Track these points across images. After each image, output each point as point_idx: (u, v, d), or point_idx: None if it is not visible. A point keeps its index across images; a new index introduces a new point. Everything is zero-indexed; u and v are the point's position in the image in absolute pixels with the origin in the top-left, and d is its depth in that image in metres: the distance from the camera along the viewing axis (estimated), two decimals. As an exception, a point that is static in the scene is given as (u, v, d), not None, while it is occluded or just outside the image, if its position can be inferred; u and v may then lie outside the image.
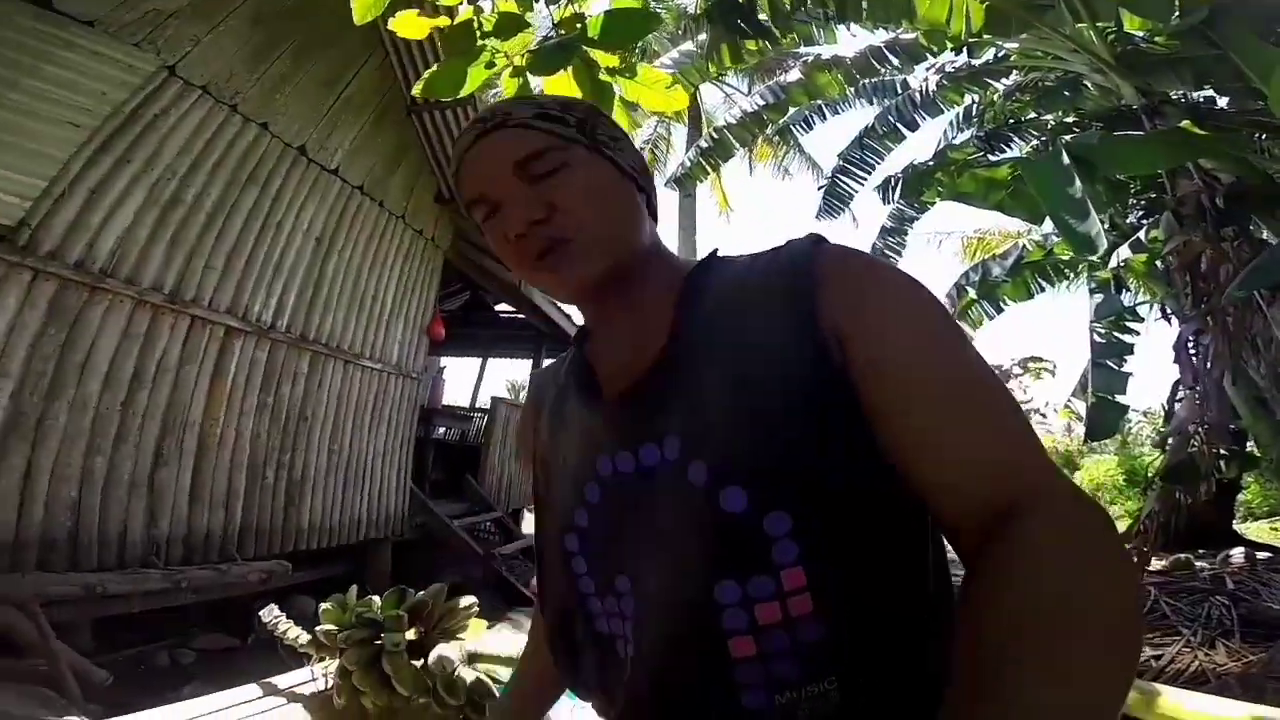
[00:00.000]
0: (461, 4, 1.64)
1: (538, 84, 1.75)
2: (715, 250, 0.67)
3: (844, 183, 6.02)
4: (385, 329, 5.45)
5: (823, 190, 6.21)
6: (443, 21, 1.62)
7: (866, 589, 0.52)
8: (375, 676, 1.29)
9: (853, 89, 5.25)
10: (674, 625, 0.55)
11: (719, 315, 0.58)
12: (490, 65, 1.70)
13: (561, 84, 1.70)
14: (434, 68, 1.66)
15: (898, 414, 0.50)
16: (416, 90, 1.67)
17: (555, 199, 0.59)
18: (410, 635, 1.39)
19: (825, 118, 6.17)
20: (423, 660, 1.36)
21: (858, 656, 0.52)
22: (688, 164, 5.95)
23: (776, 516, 0.50)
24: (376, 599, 1.50)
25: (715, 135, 5.63)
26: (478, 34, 1.66)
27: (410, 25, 1.57)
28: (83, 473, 3.27)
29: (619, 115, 1.74)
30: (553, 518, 0.67)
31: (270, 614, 1.64)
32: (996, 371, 0.49)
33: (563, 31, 1.66)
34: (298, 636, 1.55)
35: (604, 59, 1.68)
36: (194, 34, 3.76)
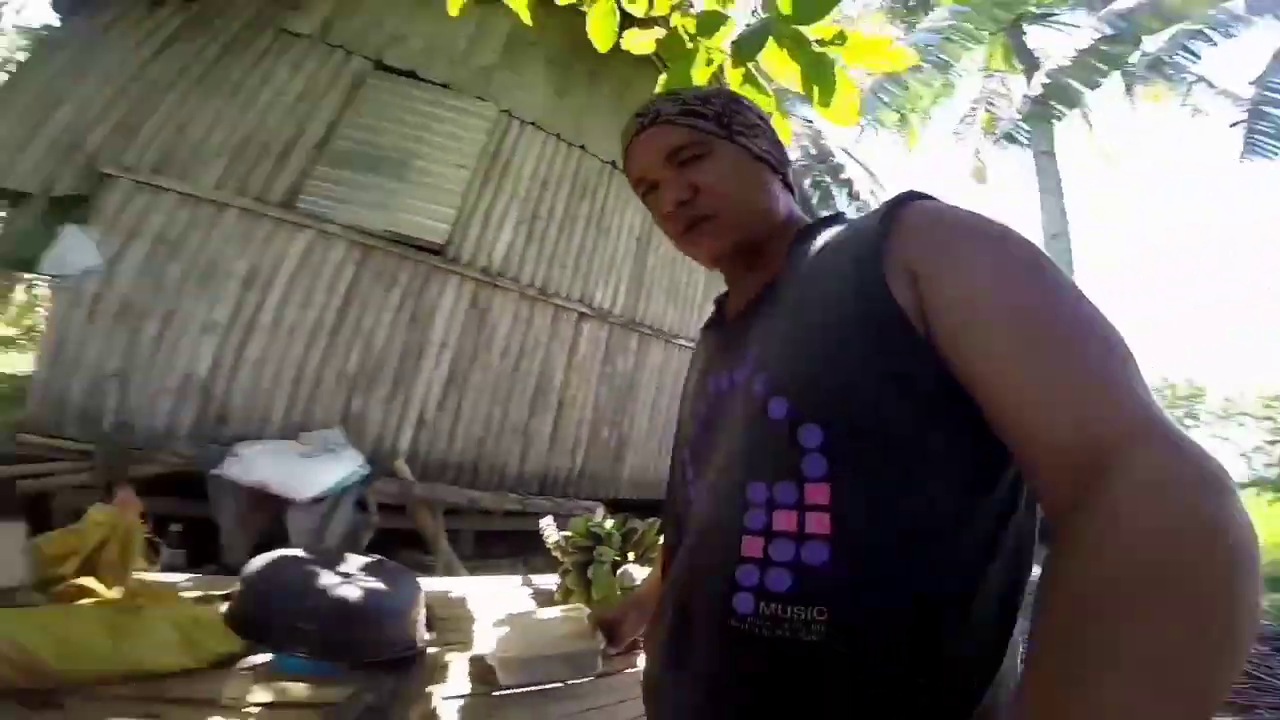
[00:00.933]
0: (672, 13, 1.86)
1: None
2: (838, 213, 0.73)
3: (1274, 114, 4.28)
4: (697, 312, 6.05)
5: (1243, 126, 4.52)
6: (660, 32, 1.86)
7: (887, 532, 0.51)
8: (582, 580, 1.63)
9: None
10: (707, 517, 0.62)
11: (807, 257, 0.65)
12: (709, 61, 1.88)
13: (779, 64, 1.77)
14: (663, 75, 1.91)
15: (977, 356, 0.49)
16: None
17: (698, 181, 0.70)
18: (616, 555, 1.70)
19: (1214, 42, 4.53)
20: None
21: (856, 599, 0.51)
22: (1018, 116, 5.00)
23: (809, 428, 0.54)
24: (610, 521, 1.86)
25: (1049, 79, 4.62)
26: (686, 38, 1.85)
27: (638, 42, 1.85)
28: (487, 418, 4.60)
29: (764, 103, 1.72)
30: (676, 438, 0.79)
31: (546, 523, 2.15)
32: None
33: (761, 14, 1.74)
34: (556, 543, 2.01)
35: (817, 31, 1.70)
36: (513, 81, 4.80)
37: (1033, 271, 0.51)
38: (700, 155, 0.70)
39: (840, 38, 1.67)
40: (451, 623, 1.87)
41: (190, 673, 1.34)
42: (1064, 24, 8.83)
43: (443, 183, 4.48)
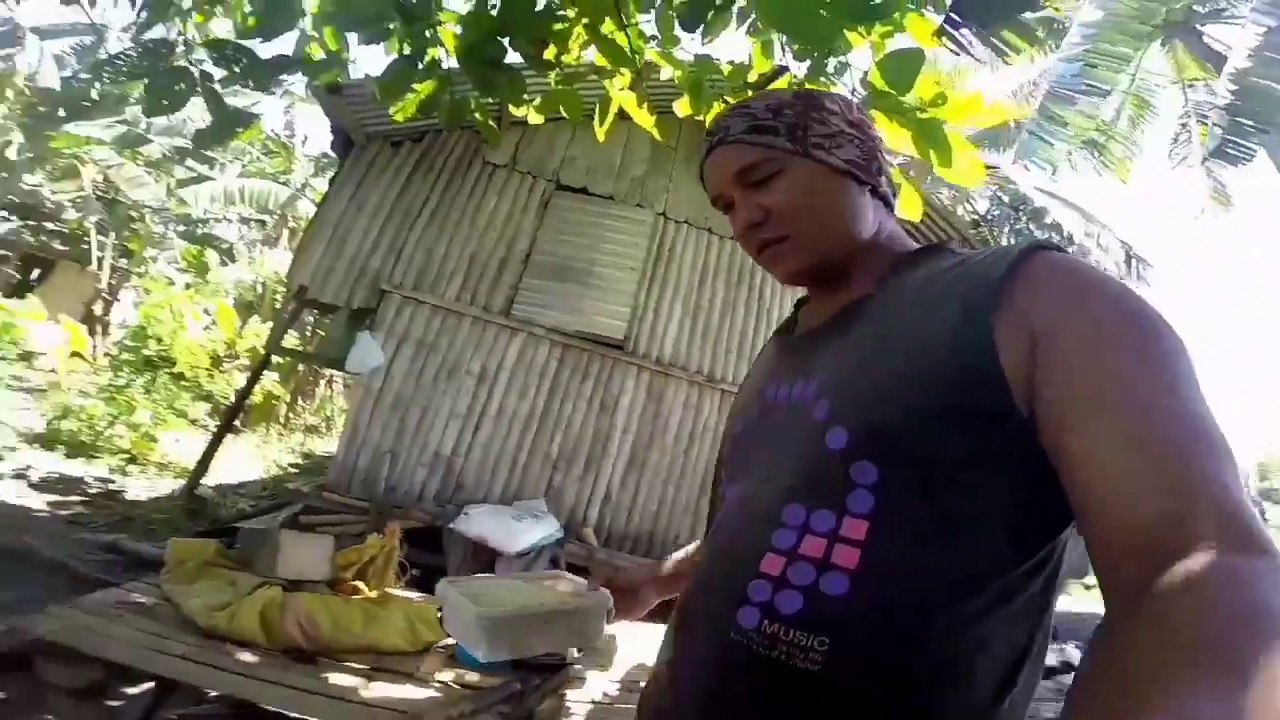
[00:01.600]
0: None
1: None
2: (947, 242, 0.72)
3: None
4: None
5: None
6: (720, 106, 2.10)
7: (914, 582, 0.50)
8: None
9: None
10: (735, 526, 0.62)
11: (903, 289, 0.62)
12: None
13: (891, 135, 1.70)
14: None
15: (1086, 435, 0.45)
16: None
17: (770, 203, 0.67)
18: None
19: None
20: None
21: (862, 637, 0.50)
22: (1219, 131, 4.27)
23: (865, 466, 0.52)
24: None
25: (1234, 85, 3.96)
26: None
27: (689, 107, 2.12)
28: (661, 496, 5.06)
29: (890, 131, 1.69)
30: (724, 436, 0.78)
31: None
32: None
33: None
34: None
35: (919, 95, 1.64)
36: (663, 186, 5.46)
37: (1162, 358, 0.47)
38: (771, 176, 0.67)
39: (941, 99, 1.63)
40: (600, 652, 2.30)
41: (405, 653, 1.93)
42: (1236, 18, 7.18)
43: (618, 284, 5.26)
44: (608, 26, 1.93)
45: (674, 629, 0.65)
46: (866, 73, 1.71)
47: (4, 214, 9.42)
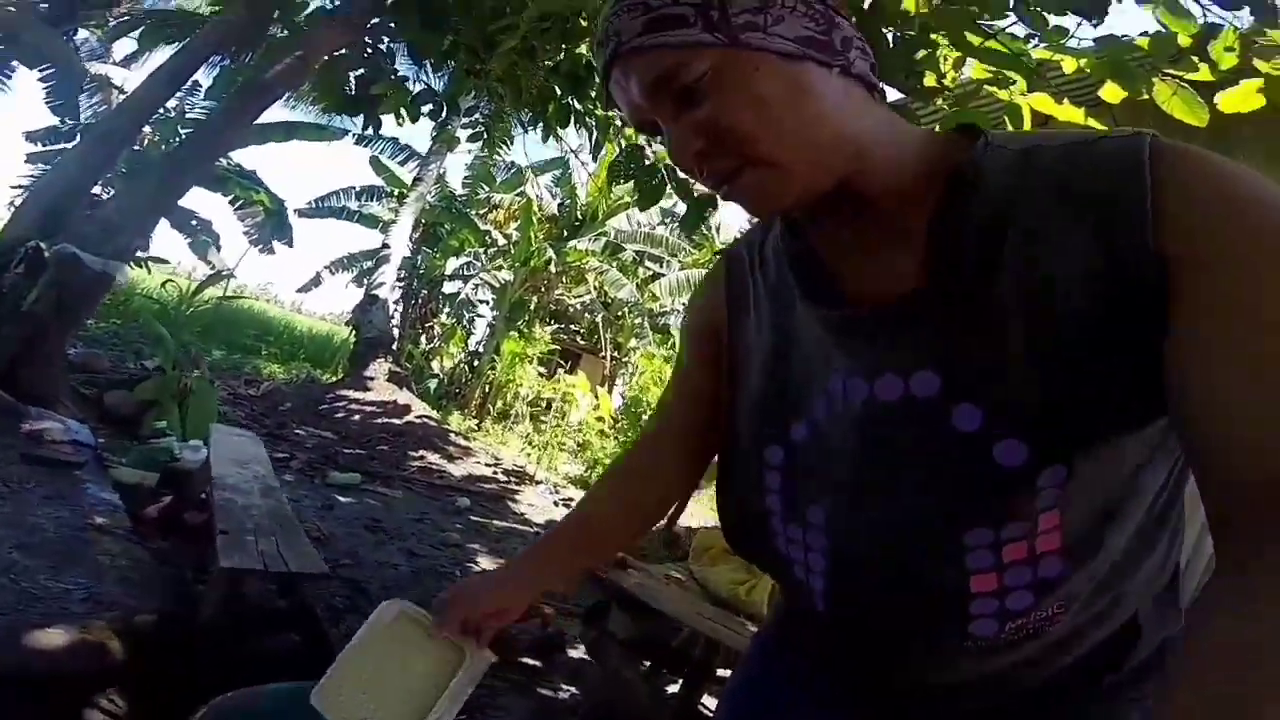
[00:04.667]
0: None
1: None
2: (984, 137, 0.51)
3: None
4: None
5: None
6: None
7: (1114, 529, 0.50)
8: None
9: None
10: (904, 566, 0.53)
11: (999, 231, 0.47)
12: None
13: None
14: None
15: (1204, 358, 0.39)
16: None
17: (707, 122, 0.48)
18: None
19: None
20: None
21: (1092, 591, 0.52)
22: None
23: (1054, 470, 0.46)
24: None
25: None
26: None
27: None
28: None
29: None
30: (752, 420, 0.63)
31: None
32: None
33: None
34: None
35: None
36: None
37: None
38: (696, 81, 0.47)
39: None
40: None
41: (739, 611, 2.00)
42: None
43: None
44: (974, 39, 1.91)
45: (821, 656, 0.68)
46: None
47: (550, 320, 13.22)
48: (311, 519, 3.68)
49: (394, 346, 9.73)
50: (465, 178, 11.94)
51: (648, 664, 2.24)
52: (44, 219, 4.03)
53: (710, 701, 2.18)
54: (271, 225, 10.12)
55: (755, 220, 0.66)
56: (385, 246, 9.95)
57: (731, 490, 0.66)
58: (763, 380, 0.62)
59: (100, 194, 4.56)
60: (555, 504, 6.21)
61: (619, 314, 12.33)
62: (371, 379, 8.01)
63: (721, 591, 2.02)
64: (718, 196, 0.68)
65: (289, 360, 11.11)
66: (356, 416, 6.83)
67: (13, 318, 3.74)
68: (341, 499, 4.40)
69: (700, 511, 5.16)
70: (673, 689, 1.98)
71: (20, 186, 4.52)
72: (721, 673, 2.15)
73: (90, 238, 4.00)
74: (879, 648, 0.60)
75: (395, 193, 11.43)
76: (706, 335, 0.71)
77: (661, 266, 12.03)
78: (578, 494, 7.01)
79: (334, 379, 8.98)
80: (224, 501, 2.43)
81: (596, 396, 9.74)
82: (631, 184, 3.50)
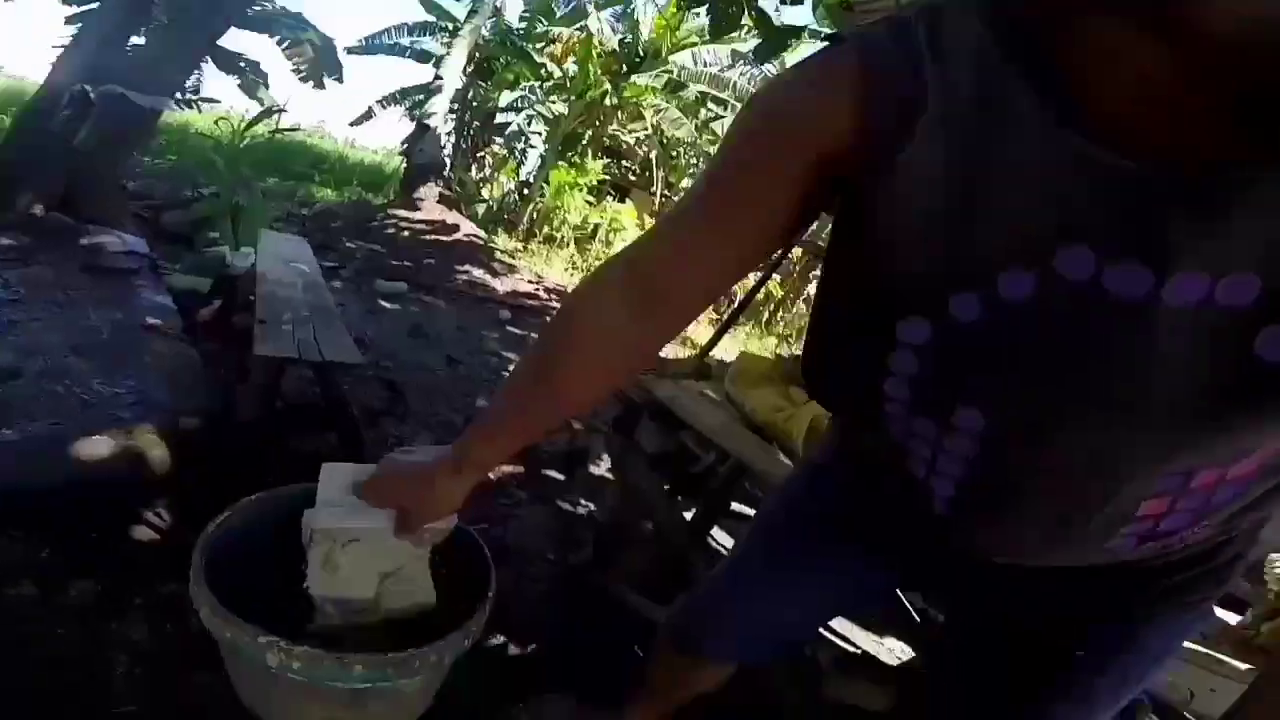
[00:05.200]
0: None
1: None
2: None
3: None
4: None
5: None
6: None
7: None
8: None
9: None
10: (1075, 498, 0.47)
11: None
12: None
13: None
14: None
15: None
16: None
17: None
18: None
19: None
20: None
21: (1236, 513, 0.50)
22: None
23: None
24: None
25: None
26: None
27: None
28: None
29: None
30: (889, 280, 0.49)
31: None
32: None
33: None
34: None
35: None
36: None
37: None
38: None
39: None
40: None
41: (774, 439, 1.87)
42: None
43: None
44: None
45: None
46: None
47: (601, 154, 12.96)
48: (356, 323, 3.79)
49: (445, 173, 9.73)
50: (523, 12, 11.51)
51: (667, 487, 2.25)
52: (87, 66, 4.09)
53: (721, 536, 2.19)
54: (321, 62, 9.95)
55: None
56: (438, 79, 9.81)
57: (831, 361, 0.56)
58: (920, 228, 0.45)
59: (141, 41, 4.60)
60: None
61: (674, 153, 11.96)
62: (421, 200, 8.13)
63: (758, 416, 1.92)
64: (802, 29, 0.52)
65: (342, 186, 11.16)
66: (405, 233, 6.93)
67: (66, 153, 3.85)
68: (386, 306, 4.52)
69: (734, 347, 5.10)
70: (687, 515, 1.97)
71: (61, 46, 4.58)
72: (737, 507, 2.13)
73: (134, 79, 4.06)
74: (989, 544, 0.55)
75: (449, 27, 11.14)
76: (801, 146, 0.50)
77: (725, 110, 11.46)
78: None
79: (385, 202, 8.99)
80: (267, 293, 2.45)
81: (643, 227, 9.58)
82: (701, 18, 3.16)
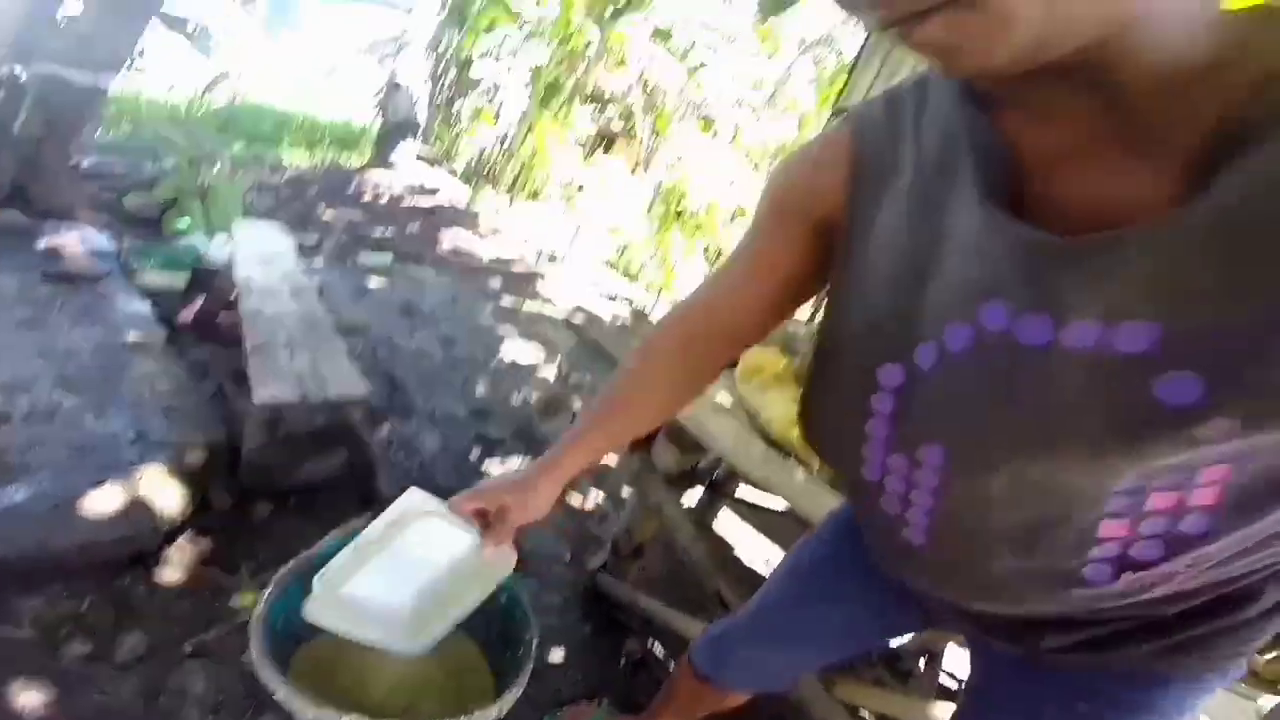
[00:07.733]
0: None
1: None
2: None
3: None
4: None
5: None
6: None
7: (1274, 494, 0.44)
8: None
9: None
10: (1031, 526, 0.50)
11: None
12: None
13: None
14: None
15: None
16: None
17: None
18: None
19: None
20: None
21: (1232, 557, 0.48)
22: None
23: (1245, 431, 0.39)
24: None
25: None
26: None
27: None
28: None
29: None
30: (871, 330, 0.55)
31: None
32: None
33: None
34: None
35: None
36: None
37: None
38: None
39: None
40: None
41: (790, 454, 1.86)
42: None
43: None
44: None
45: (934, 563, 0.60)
46: None
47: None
48: (345, 306, 3.71)
49: (420, 130, 9.31)
50: (499, -48, 10.74)
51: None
52: (12, 45, 3.72)
53: (725, 514, 2.19)
54: (278, 14, 9.28)
55: (929, 74, 0.53)
56: (407, 30, 9.35)
57: (826, 403, 0.61)
58: (891, 285, 0.53)
59: (76, 13, 4.16)
60: (586, 286, 6.29)
61: (659, 100, 11.46)
62: (397, 161, 7.80)
63: (773, 429, 1.89)
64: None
65: (314, 148, 10.69)
66: (384, 198, 6.71)
67: (4, 143, 3.58)
68: (373, 284, 4.41)
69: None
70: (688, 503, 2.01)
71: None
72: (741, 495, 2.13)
73: (69, 54, 3.71)
74: (969, 581, 0.57)
75: (419, -29, 10.43)
76: (802, 212, 0.62)
77: (717, 55, 10.95)
78: (608, 276, 7.08)
79: (361, 162, 8.63)
80: (253, 311, 2.36)
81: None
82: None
